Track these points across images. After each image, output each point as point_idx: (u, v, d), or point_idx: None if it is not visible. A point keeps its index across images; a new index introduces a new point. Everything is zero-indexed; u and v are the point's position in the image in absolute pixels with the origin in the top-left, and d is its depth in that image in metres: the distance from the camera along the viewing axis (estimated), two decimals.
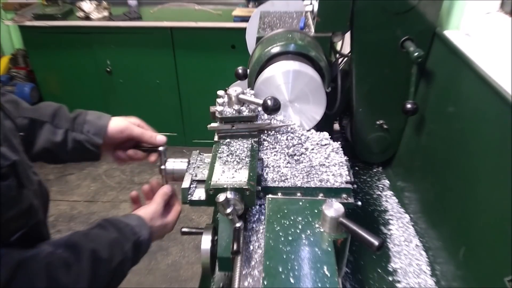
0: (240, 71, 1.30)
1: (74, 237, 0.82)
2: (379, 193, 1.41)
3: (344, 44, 1.46)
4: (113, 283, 0.85)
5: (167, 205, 1.05)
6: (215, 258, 0.93)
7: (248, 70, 1.28)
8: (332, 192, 0.96)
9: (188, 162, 1.07)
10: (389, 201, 1.36)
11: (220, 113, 1.03)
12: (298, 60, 1.17)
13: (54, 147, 0.99)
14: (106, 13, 3.43)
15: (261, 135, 1.07)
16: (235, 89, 1.03)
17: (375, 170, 1.53)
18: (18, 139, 0.81)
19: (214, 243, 0.93)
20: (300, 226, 0.81)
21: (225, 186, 0.87)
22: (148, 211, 0.98)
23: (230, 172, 0.91)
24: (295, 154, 1.03)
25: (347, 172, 0.98)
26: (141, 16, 3.42)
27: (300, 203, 0.88)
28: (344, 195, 0.96)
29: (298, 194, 0.97)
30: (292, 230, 0.81)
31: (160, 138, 1.09)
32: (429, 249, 1.16)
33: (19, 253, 0.72)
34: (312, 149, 1.04)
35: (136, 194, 1.09)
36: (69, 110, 1.06)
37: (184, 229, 1.09)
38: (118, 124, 1.05)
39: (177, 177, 1.06)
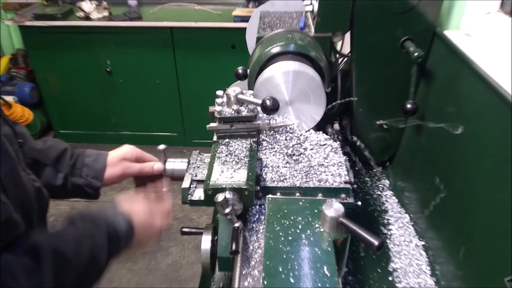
0: (240, 71, 1.30)
1: (35, 239, 0.78)
2: (379, 193, 1.41)
3: (344, 44, 1.46)
4: (89, 276, 0.81)
5: (159, 198, 1.03)
6: (215, 258, 0.93)
7: (248, 70, 1.28)
8: (331, 192, 0.96)
9: (188, 162, 1.07)
10: (389, 201, 1.36)
11: (219, 113, 1.03)
12: (298, 60, 1.17)
13: (54, 189, 1.00)
14: (106, 13, 3.43)
15: (260, 135, 1.07)
16: (234, 89, 1.03)
17: (375, 170, 1.52)
18: (15, 145, 0.81)
19: (214, 243, 0.93)
20: (300, 226, 0.81)
21: (223, 186, 0.87)
22: (127, 197, 0.96)
23: (229, 172, 0.91)
24: (294, 154, 1.03)
25: (346, 172, 0.98)
26: (141, 16, 3.41)
27: (300, 203, 0.88)
28: (343, 195, 0.96)
29: (297, 194, 0.97)
30: (292, 230, 0.81)
31: (158, 166, 1.08)
32: (429, 249, 1.16)
33: None
34: (311, 149, 1.04)
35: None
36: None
37: (184, 229, 1.09)
38: (115, 171, 1.05)
39: (177, 177, 1.06)
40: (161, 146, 1.07)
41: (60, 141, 1.05)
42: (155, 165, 1.08)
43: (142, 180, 1.11)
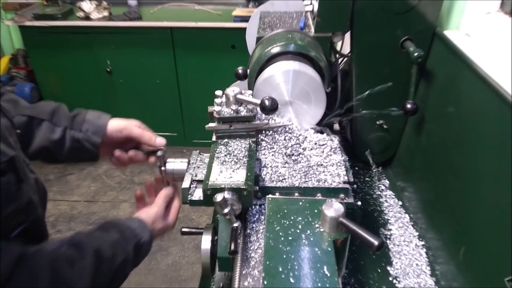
0: (240, 71, 1.30)
1: (77, 236, 0.83)
2: (379, 193, 1.41)
3: (344, 44, 1.46)
4: (115, 283, 0.85)
5: (168, 205, 1.05)
6: (215, 258, 0.93)
7: (248, 70, 1.28)
8: (330, 192, 0.96)
9: (188, 162, 1.07)
10: (389, 201, 1.36)
11: (218, 113, 1.03)
12: (298, 60, 1.17)
13: (51, 145, 0.99)
14: (106, 13, 3.43)
15: (259, 135, 1.07)
16: (233, 89, 1.03)
17: (375, 170, 1.52)
18: (14, 136, 0.82)
19: (214, 243, 0.93)
20: (300, 226, 0.81)
21: (222, 186, 0.87)
22: (150, 214, 0.99)
23: (228, 172, 0.91)
24: (293, 154, 1.03)
25: (345, 172, 0.98)
26: (141, 16, 3.42)
27: (300, 203, 0.88)
28: (342, 195, 0.96)
29: (296, 194, 0.97)
30: (292, 230, 0.81)
31: (160, 140, 1.09)
32: (429, 249, 1.16)
33: (21, 247, 0.73)
34: (310, 149, 1.04)
35: (141, 193, 1.09)
36: (69, 110, 1.06)
37: (184, 229, 1.09)
38: (117, 123, 1.05)
39: (177, 177, 1.06)
40: (159, 153, 1.05)
41: (53, 102, 1.05)
42: (157, 139, 1.08)
43: (139, 154, 1.10)
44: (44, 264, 0.72)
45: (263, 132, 1.07)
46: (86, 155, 1.03)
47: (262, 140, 1.07)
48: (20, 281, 0.69)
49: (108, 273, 0.82)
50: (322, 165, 1.01)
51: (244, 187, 0.86)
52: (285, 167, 1.01)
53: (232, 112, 1.03)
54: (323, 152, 1.04)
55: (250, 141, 1.03)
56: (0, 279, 0.66)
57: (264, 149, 1.06)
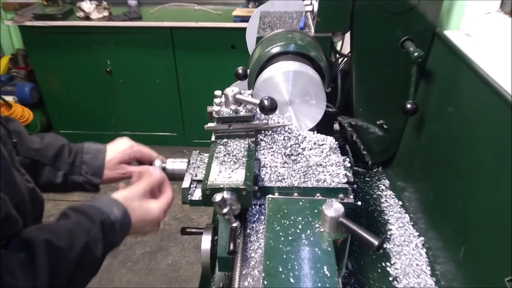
0: (240, 71, 1.30)
1: (26, 233, 0.76)
2: (379, 193, 1.41)
3: (344, 44, 1.46)
4: (83, 269, 0.80)
5: (157, 191, 1.00)
6: (215, 258, 0.93)
7: (248, 70, 1.28)
8: (329, 192, 0.96)
9: (188, 162, 1.07)
10: (389, 201, 1.36)
11: (217, 113, 1.03)
12: (298, 60, 1.17)
13: (55, 187, 1.02)
14: (106, 13, 3.43)
15: (258, 135, 1.07)
16: (232, 89, 1.03)
17: (375, 170, 1.53)
18: (9, 145, 0.81)
19: (214, 243, 0.93)
20: (300, 226, 0.81)
21: (221, 186, 0.87)
22: (123, 192, 0.92)
23: (227, 172, 0.91)
24: (292, 154, 1.03)
25: (344, 172, 0.98)
26: (141, 16, 3.42)
27: (300, 203, 0.88)
28: (341, 195, 0.96)
29: (295, 194, 0.97)
30: (292, 230, 0.81)
31: (156, 172, 1.03)
32: (429, 249, 1.16)
33: None
34: (310, 149, 1.04)
35: (124, 186, 1.04)
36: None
37: (184, 229, 1.09)
38: (112, 175, 1.07)
39: (177, 177, 1.06)
40: (157, 163, 1.07)
41: (57, 137, 1.05)
42: (154, 171, 1.03)
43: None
44: None
45: (262, 132, 1.07)
46: (88, 191, 1.08)
47: (261, 140, 1.07)
48: None
49: (67, 260, 0.76)
50: (321, 165, 1.01)
51: (243, 187, 0.86)
52: (284, 167, 1.01)
53: (231, 112, 1.03)
54: (322, 152, 1.04)
55: (249, 141, 1.03)
56: None
57: (263, 149, 1.06)
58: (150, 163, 1.10)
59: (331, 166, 1.00)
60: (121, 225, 0.86)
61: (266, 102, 0.97)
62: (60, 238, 0.76)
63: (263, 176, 0.99)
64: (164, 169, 1.07)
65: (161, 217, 0.96)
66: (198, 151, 1.12)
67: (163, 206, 0.97)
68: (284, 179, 0.99)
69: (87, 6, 3.37)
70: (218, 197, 0.84)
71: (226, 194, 0.86)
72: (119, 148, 1.09)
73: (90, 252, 0.80)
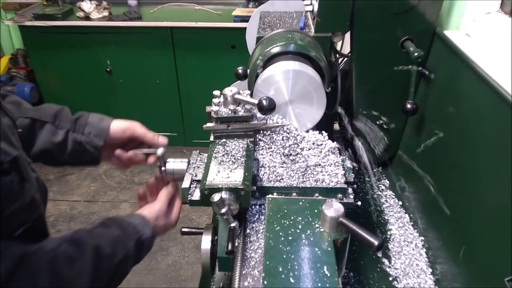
0: (240, 71, 1.30)
1: (77, 233, 0.83)
2: (379, 193, 1.41)
3: (344, 44, 1.46)
4: (115, 280, 0.85)
5: (170, 203, 1.05)
6: (215, 258, 0.93)
7: (248, 70, 1.28)
8: (328, 192, 0.96)
9: (188, 162, 1.07)
10: (389, 201, 1.36)
11: (215, 113, 1.03)
12: (298, 60, 1.17)
13: (53, 147, 0.99)
14: (106, 13, 3.43)
15: (257, 135, 1.07)
16: (230, 89, 1.03)
17: (375, 170, 1.52)
18: (16, 136, 0.82)
19: (214, 243, 0.93)
20: (300, 226, 0.81)
21: (220, 186, 0.87)
22: (152, 210, 0.99)
23: (225, 172, 0.91)
24: (290, 154, 1.03)
25: (343, 172, 0.98)
26: (141, 16, 3.42)
27: (300, 203, 0.88)
28: (339, 195, 0.96)
29: (294, 194, 0.97)
30: (292, 230, 0.81)
31: (162, 139, 1.10)
32: (429, 249, 1.16)
33: (22, 247, 0.73)
34: (308, 149, 1.04)
35: (143, 192, 1.09)
36: (71, 112, 1.06)
37: (184, 229, 1.09)
38: (120, 124, 1.06)
39: (177, 177, 1.06)
40: (159, 151, 1.04)
41: (56, 105, 1.05)
42: (160, 138, 1.10)
43: (138, 154, 1.11)
44: (43, 263, 0.73)
45: (261, 132, 1.06)
46: (88, 158, 1.03)
47: (260, 140, 1.06)
48: (20, 281, 0.69)
49: (108, 270, 0.81)
50: (320, 165, 1.01)
51: (242, 187, 0.86)
52: (283, 167, 1.01)
53: (229, 112, 1.03)
54: (321, 152, 1.04)
55: (248, 141, 1.03)
56: (0, 280, 0.66)
57: (262, 149, 1.06)
58: (152, 144, 1.10)
59: (330, 166, 1.00)
60: (148, 245, 0.93)
61: (264, 102, 0.97)
62: (105, 246, 0.82)
63: (261, 176, 0.99)
64: (164, 161, 1.06)
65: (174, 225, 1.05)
66: (198, 151, 1.12)
67: (177, 216, 1.05)
68: (282, 179, 0.98)
69: (87, 6, 3.37)
70: (216, 197, 0.85)
71: (224, 194, 0.86)
72: (127, 120, 1.08)
73: (125, 265, 0.86)
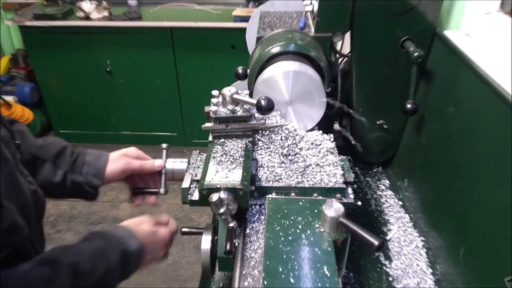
0: (240, 71, 1.30)
1: (53, 252, 0.78)
2: (379, 193, 1.41)
3: (344, 44, 1.46)
4: None
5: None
6: (215, 258, 0.93)
7: (248, 70, 1.28)
8: (326, 192, 0.96)
9: (188, 162, 1.07)
10: (389, 201, 1.36)
11: (214, 113, 1.03)
12: (298, 60, 1.17)
13: (52, 187, 0.99)
14: (106, 13, 3.43)
15: (256, 135, 1.07)
16: (229, 89, 1.03)
17: (375, 170, 1.53)
18: (12, 148, 0.80)
19: (214, 243, 0.93)
20: (300, 226, 0.81)
21: (218, 186, 0.87)
22: (134, 220, 0.96)
23: (224, 172, 0.91)
24: (289, 154, 1.03)
25: (341, 172, 0.98)
26: (141, 16, 3.41)
27: (300, 203, 0.88)
28: (338, 195, 0.96)
29: (292, 194, 0.97)
30: (292, 230, 0.81)
31: (158, 163, 1.09)
32: (429, 249, 1.16)
33: None
34: (307, 149, 1.04)
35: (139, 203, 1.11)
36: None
37: (184, 229, 1.09)
38: (117, 166, 1.05)
39: (177, 177, 1.06)
40: (164, 145, 1.07)
41: (61, 139, 1.04)
42: (156, 162, 1.09)
43: (140, 179, 1.11)
44: None
45: (260, 132, 1.06)
46: (85, 195, 1.04)
47: (258, 140, 1.06)
48: None
49: (88, 286, 0.78)
50: (318, 165, 1.01)
51: (240, 187, 0.86)
52: (281, 167, 1.01)
53: (228, 112, 1.03)
54: (319, 152, 1.04)
55: (247, 141, 1.03)
56: None
57: (261, 149, 1.06)
58: (150, 172, 1.10)
59: (329, 166, 1.00)
60: (134, 257, 0.89)
61: (263, 102, 0.96)
62: (84, 263, 0.78)
63: (260, 176, 0.99)
64: (164, 168, 1.07)
65: (168, 240, 1.01)
66: (198, 151, 1.12)
67: (171, 229, 1.02)
68: (281, 179, 0.98)
69: (87, 6, 3.37)
70: (214, 197, 0.85)
71: (223, 194, 0.86)
72: (123, 153, 1.08)
73: (107, 279, 0.82)
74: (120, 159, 1.05)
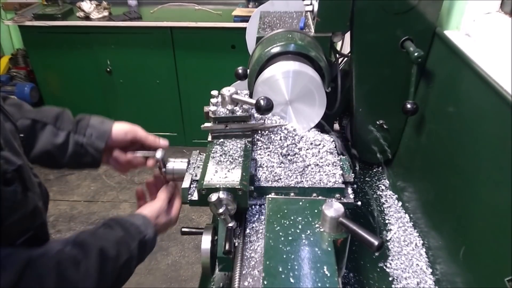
0: (240, 71, 1.30)
1: (81, 235, 0.82)
2: (379, 193, 1.41)
3: (344, 44, 1.46)
4: (120, 281, 0.85)
5: (170, 201, 1.04)
6: (215, 258, 0.93)
7: (248, 70, 1.28)
8: (326, 192, 0.96)
9: (188, 162, 1.07)
10: (389, 201, 1.36)
11: (213, 113, 1.03)
12: (298, 60, 1.17)
13: (54, 149, 0.98)
14: (106, 13, 3.43)
15: (255, 135, 1.07)
16: (228, 89, 1.03)
17: (375, 170, 1.52)
18: (18, 141, 0.81)
19: (214, 243, 0.93)
20: (300, 226, 0.81)
21: (217, 186, 0.87)
22: (153, 209, 0.98)
23: (223, 172, 0.92)
24: (288, 154, 1.03)
25: (341, 172, 0.98)
26: (141, 16, 3.42)
27: (300, 203, 0.88)
28: (337, 195, 0.96)
29: (292, 194, 0.97)
30: (292, 230, 0.81)
31: (164, 141, 1.10)
32: (429, 249, 1.16)
33: (27, 252, 0.72)
34: (306, 149, 1.04)
35: (141, 190, 1.09)
36: (72, 113, 1.05)
37: (184, 229, 1.09)
38: (122, 127, 1.05)
39: (177, 177, 1.06)
40: (158, 154, 1.02)
41: (57, 107, 1.04)
42: (161, 140, 1.10)
43: (138, 158, 1.10)
44: (49, 267, 0.72)
45: (259, 132, 1.06)
46: (88, 160, 1.02)
47: (257, 140, 1.06)
48: (27, 286, 0.69)
49: (113, 271, 0.81)
50: (318, 165, 1.01)
51: (239, 187, 0.87)
52: (280, 167, 1.01)
53: (227, 112, 1.03)
54: (319, 152, 1.04)
55: (246, 141, 1.03)
56: (8, 285, 0.66)
57: (260, 149, 1.06)
58: (153, 147, 1.09)
59: (328, 166, 1.00)
60: (151, 245, 0.93)
61: (262, 102, 0.97)
62: (110, 249, 0.82)
63: (259, 176, 0.99)
64: (163, 162, 1.06)
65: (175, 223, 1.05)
66: (198, 151, 1.12)
67: (177, 214, 1.04)
68: (280, 179, 0.98)
69: (87, 6, 3.37)
70: (213, 197, 0.85)
71: (222, 194, 0.86)
72: (128, 123, 1.08)
73: (129, 266, 0.86)
74: (126, 124, 1.07)
